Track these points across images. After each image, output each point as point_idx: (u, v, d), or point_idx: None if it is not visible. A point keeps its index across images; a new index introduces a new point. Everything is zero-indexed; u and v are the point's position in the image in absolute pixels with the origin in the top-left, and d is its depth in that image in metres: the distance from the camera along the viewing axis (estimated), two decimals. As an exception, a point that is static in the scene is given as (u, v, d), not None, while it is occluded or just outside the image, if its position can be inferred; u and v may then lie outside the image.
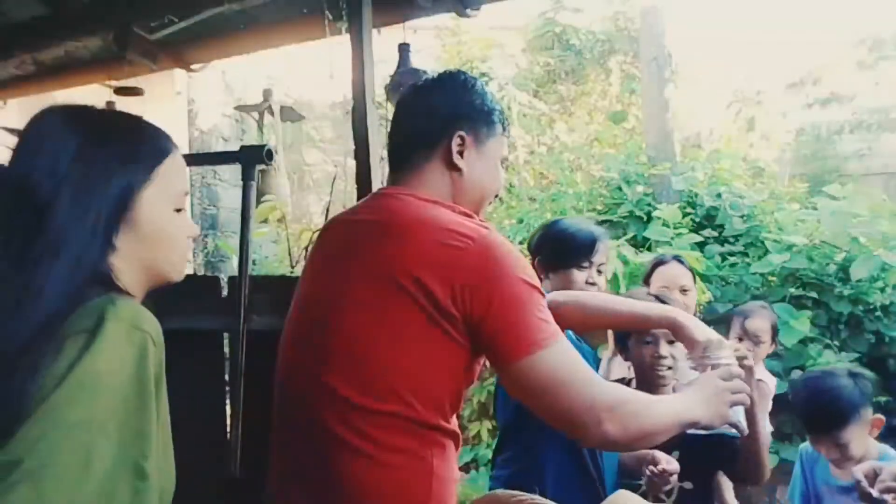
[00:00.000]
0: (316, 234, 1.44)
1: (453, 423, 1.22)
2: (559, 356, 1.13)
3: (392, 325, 1.14)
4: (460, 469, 1.31)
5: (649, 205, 5.46)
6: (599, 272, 1.92)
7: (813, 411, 1.89)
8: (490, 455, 4.77)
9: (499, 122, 1.36)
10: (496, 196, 1.40)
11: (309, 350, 1.22)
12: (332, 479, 1.16)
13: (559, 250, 1.93)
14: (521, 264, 1.18)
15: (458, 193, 1.31)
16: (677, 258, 2.61)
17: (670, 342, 1.82)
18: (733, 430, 1.32)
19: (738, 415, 1.30)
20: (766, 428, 2.38)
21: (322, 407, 1.17)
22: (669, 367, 1.81)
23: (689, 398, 1.23)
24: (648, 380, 1.87)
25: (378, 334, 1.15)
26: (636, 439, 1.16)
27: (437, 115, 1.32)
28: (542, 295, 1.19)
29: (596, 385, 1.13)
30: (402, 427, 1.14)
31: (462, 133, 1.30)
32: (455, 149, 1.30)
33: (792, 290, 4.30)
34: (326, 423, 1.16)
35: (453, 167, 1.30)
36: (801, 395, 1.96)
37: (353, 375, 1.15)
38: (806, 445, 2.05)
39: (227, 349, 2.08)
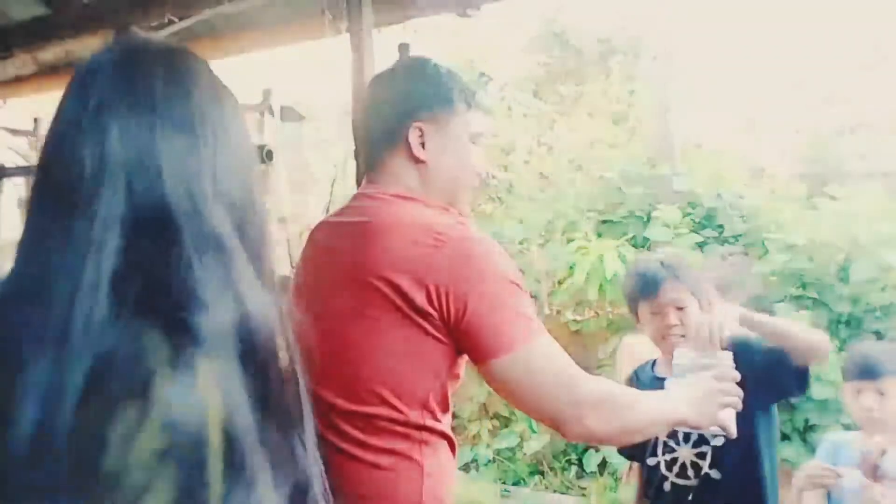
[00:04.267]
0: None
1: (445, 423, 1.21)
2: (539, 354, 1.12)
3: (370, 327, 1.14)
4: (460, 469, 1.30)
5: (649, 205, 5.46)
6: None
7: (863, 355, 2.04)
8: (490, 455, 4.81)
9: (459, 100, 1.26)
10: (477, 182, 1.32)
11: None
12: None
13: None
14: (498, 259, 1.16)
15: (429, 186, 1.25)
16: None
17: (678, 309, 1.80)
18: (721, 432, 1.33)
19: (728, 417, 1.30)
20: None
21: None
22: (682, 336, 1.77)
23: (679, 397, 1.24)
24: (666, 350, 1.86)
25: (358, 338, 1.15)
26: (619, 434, 1.17)
27: (393, 110, 1.25)
28: (521, 289, 1.16)
29: (580, 381, 1.13)
30: (387, 428, 1.14)
31: (420, 124, 1.23)
32: (416, 142, 1.23)
33: (792, 290, 4.29)
34: (314, 428, 1.16)
35: (418, 160, 1.24)
36: (854, 347, 2.17)
37: (336, 380, 1.15)
38: (828, 436, 2.18)
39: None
